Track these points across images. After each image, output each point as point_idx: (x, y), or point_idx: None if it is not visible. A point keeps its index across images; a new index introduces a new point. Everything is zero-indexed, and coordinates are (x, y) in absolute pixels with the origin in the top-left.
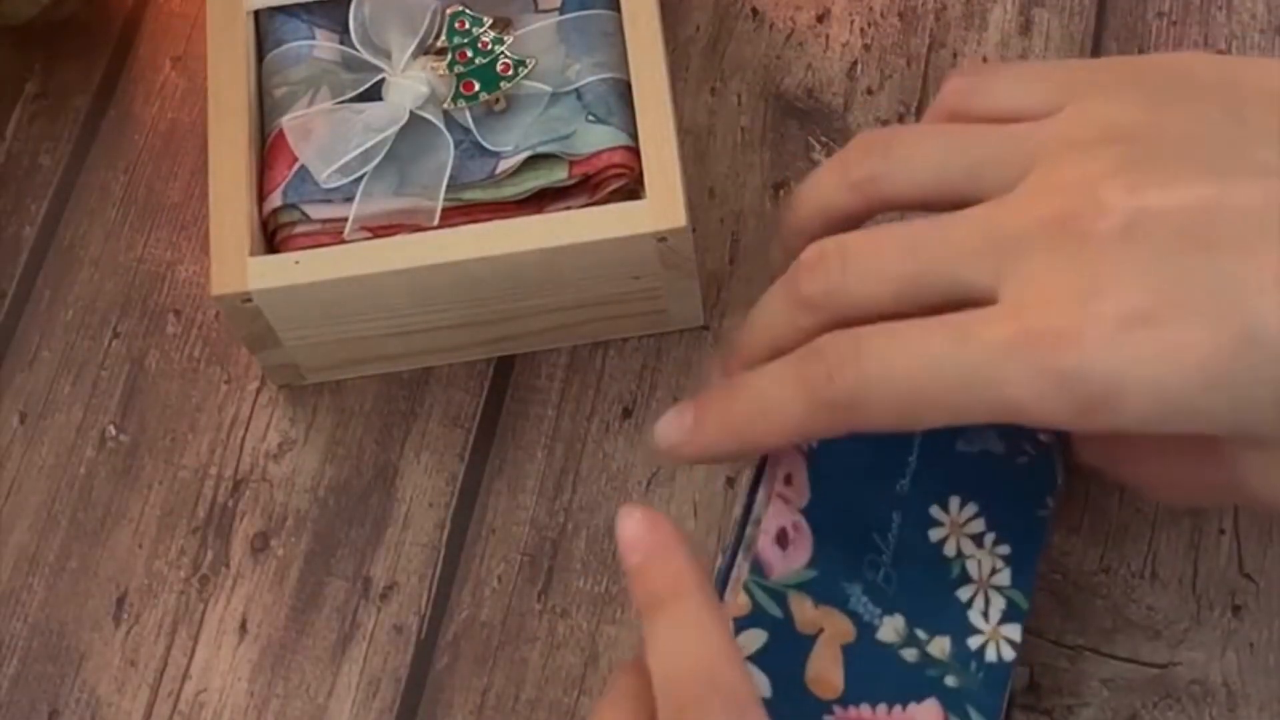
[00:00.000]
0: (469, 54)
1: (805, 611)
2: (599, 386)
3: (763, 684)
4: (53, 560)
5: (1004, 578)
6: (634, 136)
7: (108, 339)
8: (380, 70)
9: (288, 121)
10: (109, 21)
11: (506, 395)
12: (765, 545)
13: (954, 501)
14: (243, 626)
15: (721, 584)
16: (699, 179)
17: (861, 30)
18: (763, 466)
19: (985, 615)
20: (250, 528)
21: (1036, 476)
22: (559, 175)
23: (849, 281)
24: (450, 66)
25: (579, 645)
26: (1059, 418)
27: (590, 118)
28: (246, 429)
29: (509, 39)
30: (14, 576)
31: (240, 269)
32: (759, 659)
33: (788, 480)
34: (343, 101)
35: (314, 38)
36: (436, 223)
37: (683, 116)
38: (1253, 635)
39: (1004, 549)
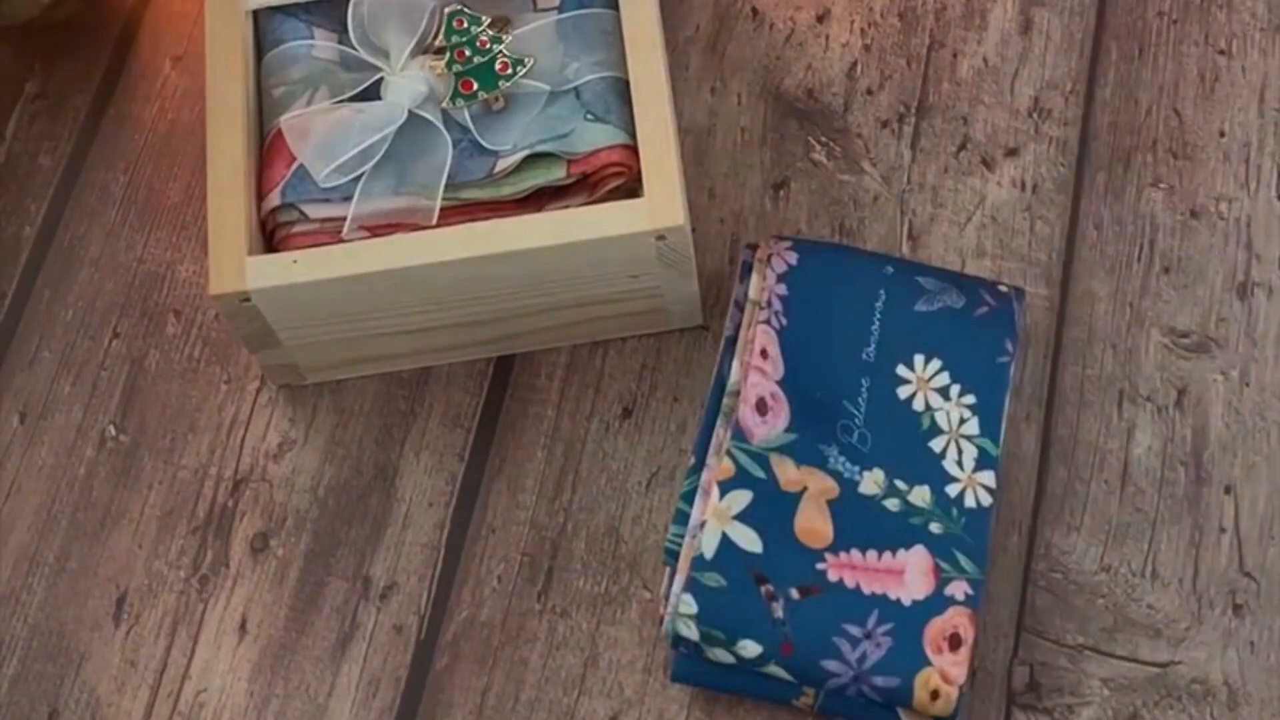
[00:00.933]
0: (467, 53)
1: (788, 471)
2: (599, 386)
3: (753, 539)
4: (53, 560)
5: (973, 426)
6: (632, 135)
7: (108, 339)
8: (379, 70)
9: (286, 121)
10: (109, 21)
11: (506, 395)
12: (745, 413)
13: (919, 359)
14: (242, 626)
15: (701, 452)
16: (699, 179)
17: (861, 30)
18: (732, 340)
19: (959, 464)
20: (250, 528)
21: (996, 325)
22: (557, 174)
23: None
24: (449, 65)
25: (579, 645)
26: None
27: (589, 116)
28: (246, 429)
29: (507, 38)
30: (14, 576)
31: (239, 268)
32: (746, 516)
33: (763, 354)
34: (341, 101)
35: (312, 37)
36: (435, 222)
37: (683, 116)
38: (1253, 634)
39: (969, 399)
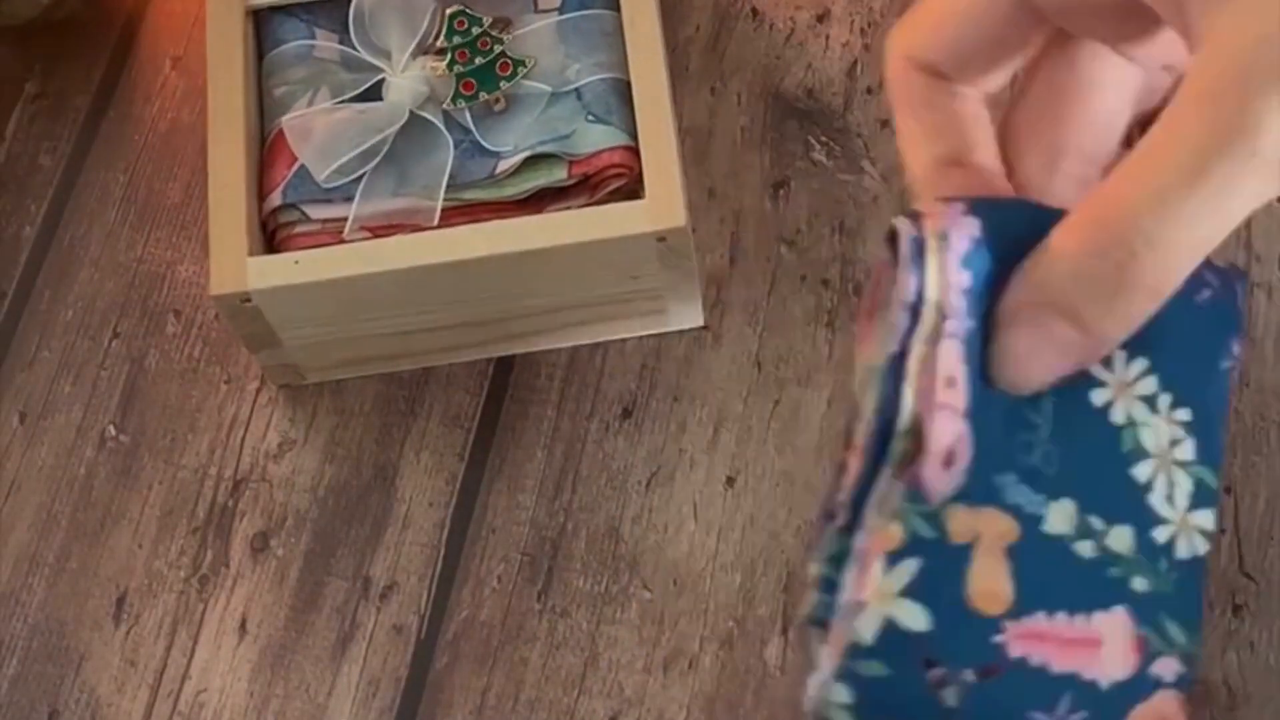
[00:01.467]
0: (469, 54)
1: (959, 520)
2: (599, 386)
3: (920, 617)
4: (53, 560)
5: (1187, 450)
6: (633, 136)
7: (108, 339)
8: (380, 70)
9: (287, 121)
10: (109, 21)
11: (506, 395)
12: (931, 468)
13: (1119, 356)
14: (242, 626)
15: (857, 503)
16: (699, 179)
17: (861, 30)
18: (898, 359)
19: (1170, 499)
20: (250, 528)
21: (1219, 317)
22: (558, 175)
23: None
24: (450, 66)
25: (579, 645)
26: None
27: (590, 117)
28: (246, 429)
29: (508, 39)
30: (14, 576)
31: (240, 269)
32: (913, 590)
33: (949, 383)
34: (342, 101)
35: (314, 37)
36: (436, 222)
37: (683, 116)
38: (1253, 635)
39: (1184, 414)
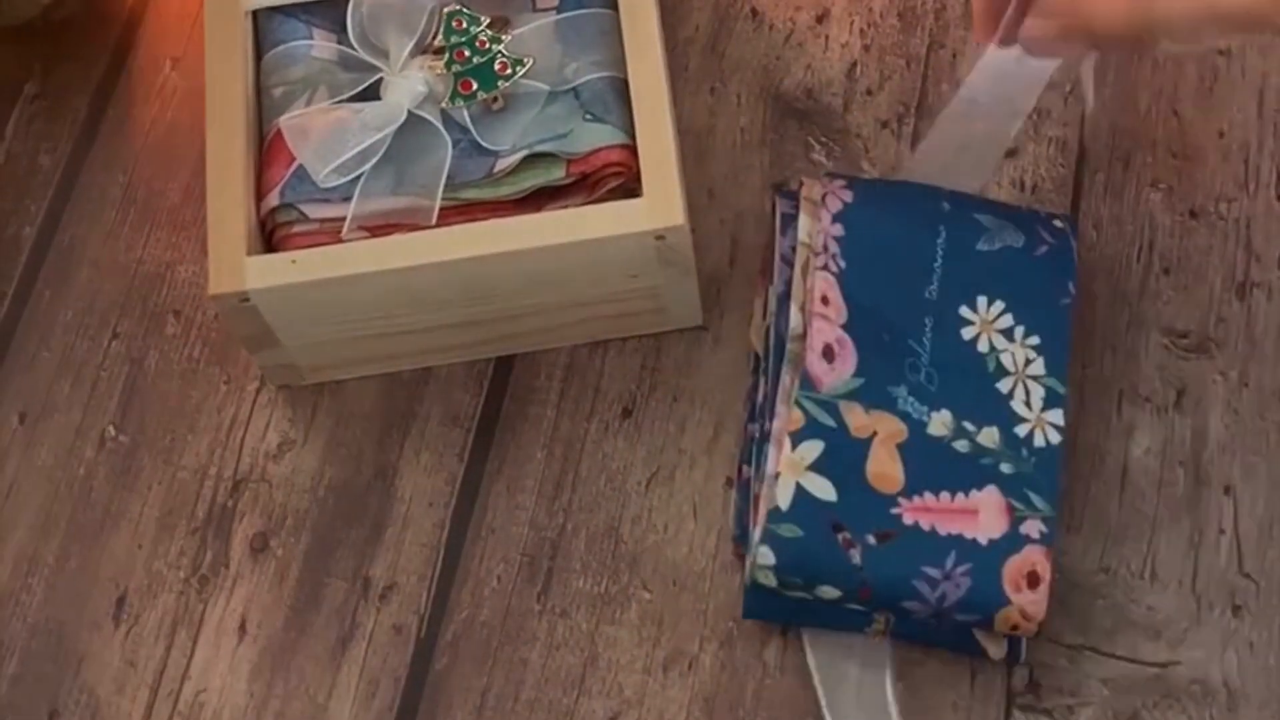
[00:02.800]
0: (467, 53)
1: (857, 417)
2: (598, 387)
3: (827, 488)
4: (53, 561)
5: (1038, 367)
6: (632, 135)
7: (107, 339)
8: (378, 70)
9: (285, 121)
10: (109, 22)
11: (506, 395)
12: (812, 361)
13: (981, 301)
14: (242, 627)
15: (770, 406)
16: (699, 179)
17: (861, 31)
18: (784, 296)
19: (1028, 404)
20: (250, 528)
21: (1056, 265)
22: (556, 174)
23: None
24: (448, 66)
25: (578, 645)
26: None
27: (588, 116)
28: (246, 429)
29: (506, 38)
30: (14, 577)
31: (238, 268)
32: (819, 466)
33: (824, 300)
34: (341, 101)
35: (312, 38)
36: (434, 222)
37: (682, 116)
38: (1253, 635)
39: (1034, 340)
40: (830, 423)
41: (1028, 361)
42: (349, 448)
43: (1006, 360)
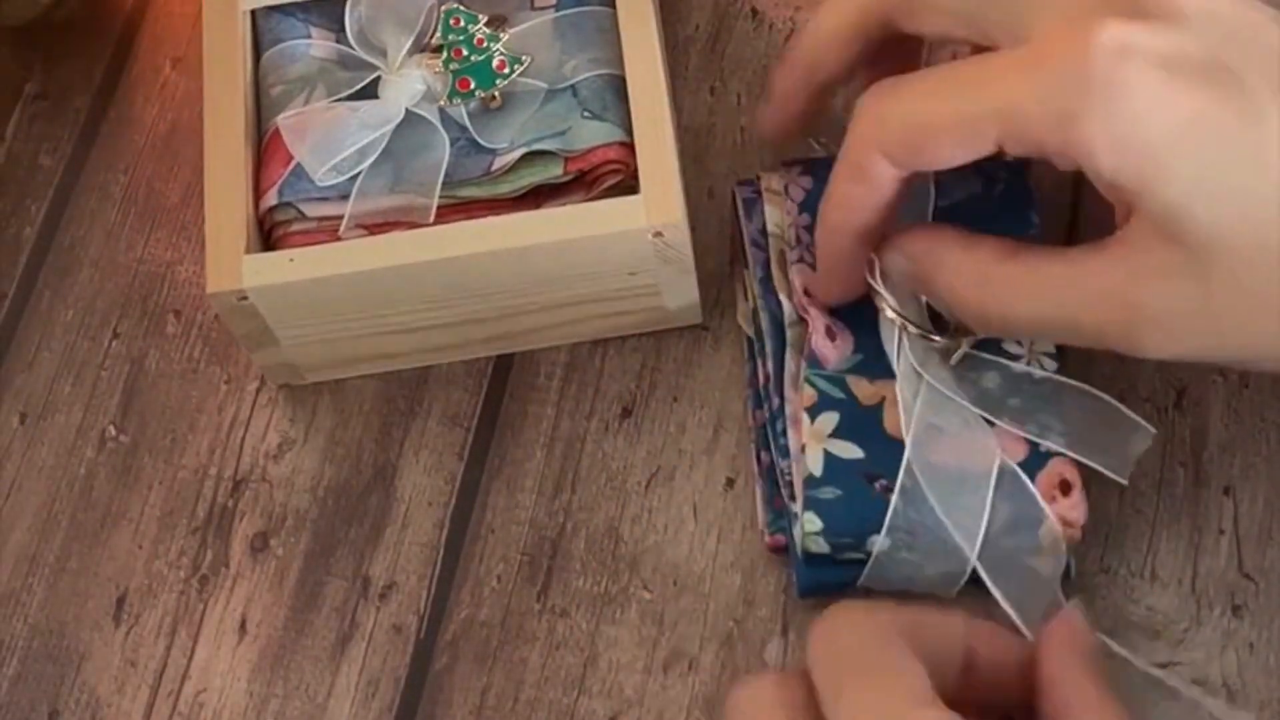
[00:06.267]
0: (464, 51)
1: (863, 388)
2: (598, 386)
3: (853, 449)
4: (53, 560)
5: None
6: (630, 132)
7: (107, 339)
8: (376, 68)
9: (283, 119)
10: (109, 22)
11: (505, 394)
12: (818, 341)
13: None
14: (242, 626)
15: (778, 387)
16: (698, 179)
17: None
18: (765, 279)
19: (1018, 341)
20: (250, 528)
21: (1015, 198)
22: (554, 172)
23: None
24: (446, 64)
25: (578, 645)
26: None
27: (586, 114)
28: (246, 429)
29: (504, 36)
30: (14, 577)
31: (235, 267)
32: (840, 432)
33: (807, 293)
34: (339, 99)
35: (310, 36)
36: (432, 220)
37: (682, 116)
38: (1253, 635)
39: None
40: (840, 395)
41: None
42: (349, 447)
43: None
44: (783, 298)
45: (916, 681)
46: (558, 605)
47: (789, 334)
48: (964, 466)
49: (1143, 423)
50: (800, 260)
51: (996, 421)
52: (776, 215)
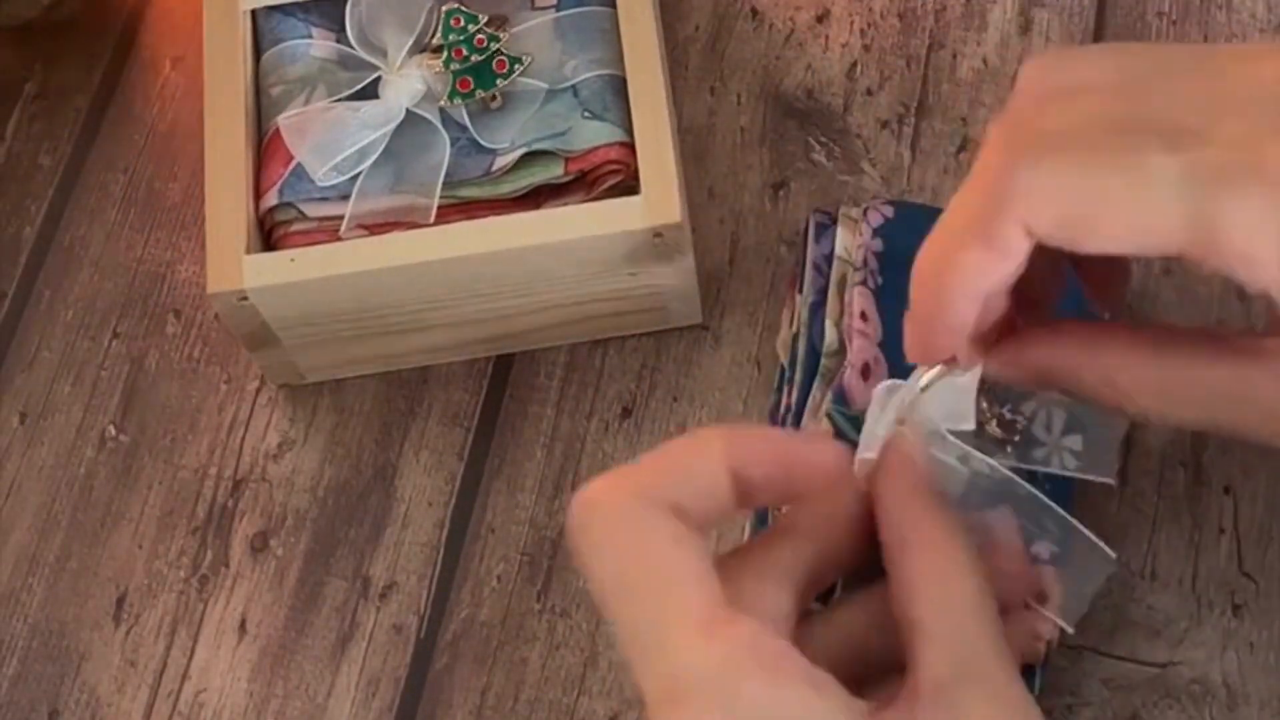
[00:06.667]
0: (465, 51)
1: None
2: (598, 386)
3: None
4: (53, 560)
5: (1077, 441)
6: (630, 132)
7: (108, 339)
8: (376, 68)
9: (284, 119)
10: (109, 22)
11: (505, 394)
12: (850, 378)
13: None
14: (242, 626)
15: (797, 419)
16: (698, 179)
17: (861, 31)
18: (818, 305)
19: (1048, 428)
20: (250, 528)
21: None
22: (555, 172)
23: None
24: (446, 64)
25: (579, 645)
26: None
27: (586, 114)
28: (246, 429)
29: (505, 36)
30: (14, 576)
31: (236, 267)
32: None
33: (863, 317)
34: (339, 99)
35: (310, 36)
36: (433, 220)
37: (682, 116)
38: (1252, 634)
39: (1079, 408)
40: (856, 437)
41: (1065, 431)
42: (349, 447)
43: (1039, 430)
44: (829, 324)
45: (688, 590)
46: (558, 605)
47: (823, 364)
48: None
49: (1108, 551)
50: (863, 283)
51: (994, 508)
52: (847, 239)
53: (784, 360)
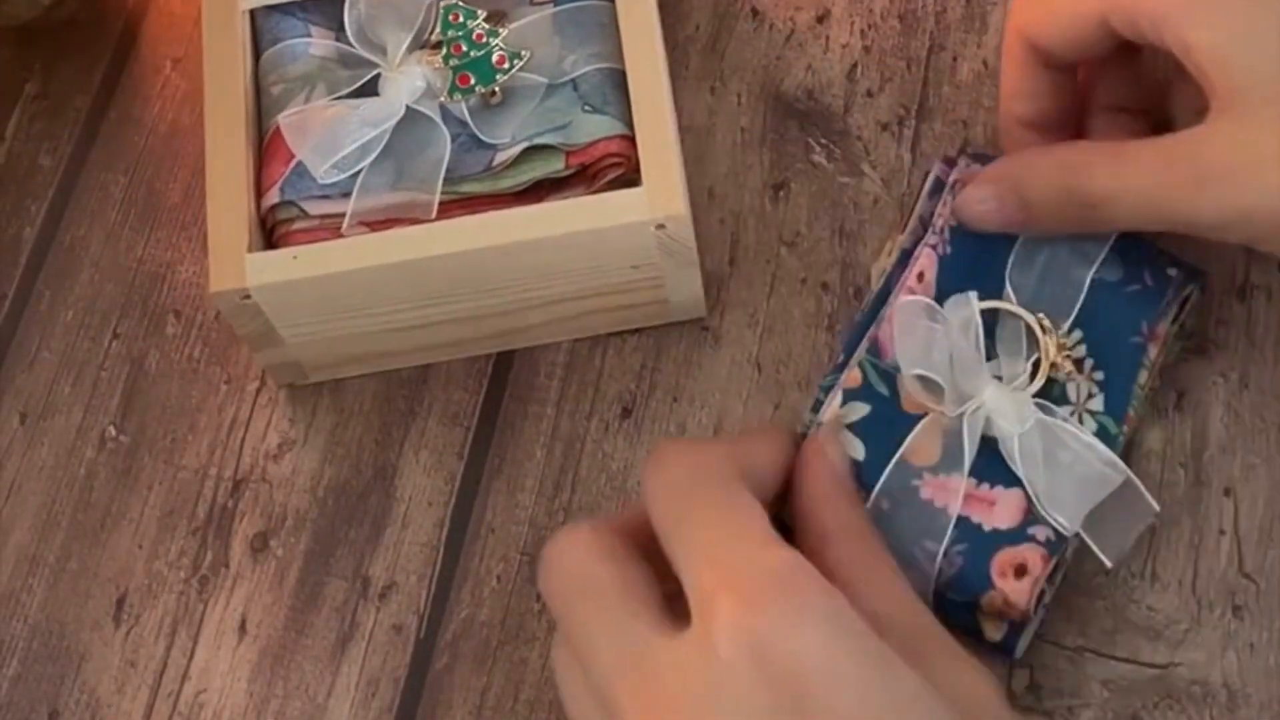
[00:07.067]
0: (464, 47)
1: (909, 397)
2: (598, 385)
3: (857, 447)
4: (53, 560)
5: (1098, 403)
6: (630, 126)
7: (108, 340)
8: (376, 66)
9: (284, 118)
10: (109, 22)
11: (505, 394)
12: (886, 330)
13: (1063, 325)
14: (242, 627)
15: (850, 350)
16: (699, 179)
17: (861, 32)
18: (913, 247)
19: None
20: (250, 528)
21: (1141, 304)
22: (556, 166)
23: None
24: (445, 60)
25: None
26: None
27: (586, 108)
28: (246, 429)
29: (504, 31)
30: (14, 577)
31: (238, 265)
32: (858, 427)
33: (919, 277)
34: (339, 97)
35: (310, 35)
36: (434, 216)
37: (682, 116)
38: (1253, 636)
39: (1100, 375)
40: (884, 391)
41: (1089, 395)
42: (349, 447)
43: (1070, 390)
44: (895, 282)
45: (756, 521)
46: None
47: (882, 312)
48: (935, 505)
49: (1150, 500)
50: (934, 247)
51: (1009, 488)
52: (938, 206)
53: (874, 285)
